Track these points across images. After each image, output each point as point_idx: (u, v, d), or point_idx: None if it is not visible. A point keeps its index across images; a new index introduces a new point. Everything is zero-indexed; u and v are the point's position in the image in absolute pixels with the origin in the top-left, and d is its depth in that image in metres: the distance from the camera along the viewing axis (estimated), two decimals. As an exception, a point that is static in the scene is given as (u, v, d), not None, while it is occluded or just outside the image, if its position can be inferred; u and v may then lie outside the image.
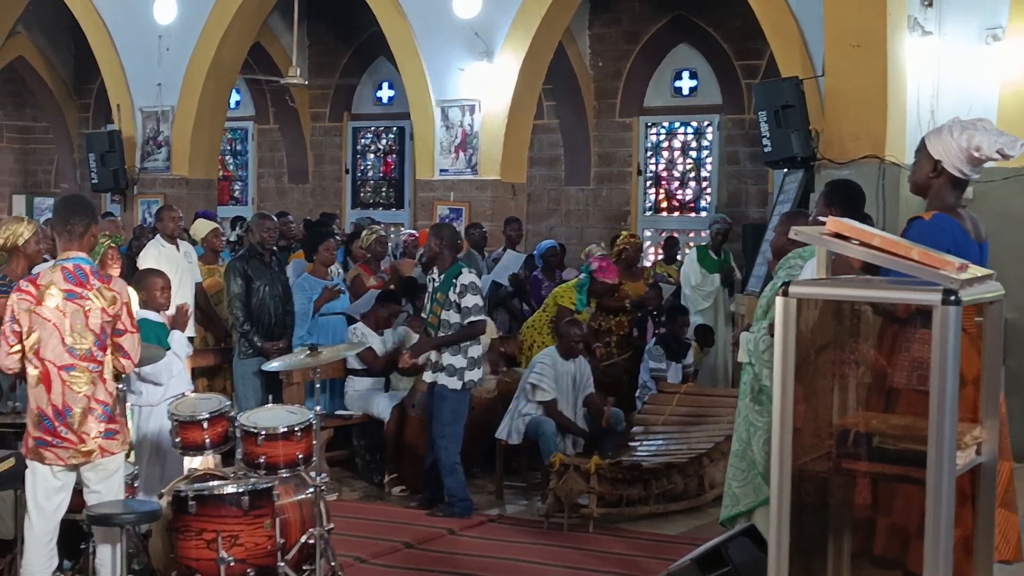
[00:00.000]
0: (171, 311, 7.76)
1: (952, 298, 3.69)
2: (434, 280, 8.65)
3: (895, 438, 4.05)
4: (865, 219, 7.20)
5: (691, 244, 15.04)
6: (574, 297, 10.58)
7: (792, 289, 3.98)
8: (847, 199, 5.86)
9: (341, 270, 10.57)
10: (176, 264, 9.89)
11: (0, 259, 7.28)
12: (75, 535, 6.08)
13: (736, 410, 6.08)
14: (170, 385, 7.18)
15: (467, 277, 8.52)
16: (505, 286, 11.83)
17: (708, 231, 12.99)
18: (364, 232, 11.03)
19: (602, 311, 11.29)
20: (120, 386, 6.04)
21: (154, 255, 10.02)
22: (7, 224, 7.32)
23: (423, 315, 8.82)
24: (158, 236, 10.44)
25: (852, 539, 4.24)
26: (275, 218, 10.34)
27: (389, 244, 12.42)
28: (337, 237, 12.01)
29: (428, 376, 8.58)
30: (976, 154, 4.60)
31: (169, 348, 7.24)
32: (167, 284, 7.70)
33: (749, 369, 5.89)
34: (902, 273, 3.90)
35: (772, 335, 5.61)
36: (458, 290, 8.45)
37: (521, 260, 12.15)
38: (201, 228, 11.15)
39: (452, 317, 8.48)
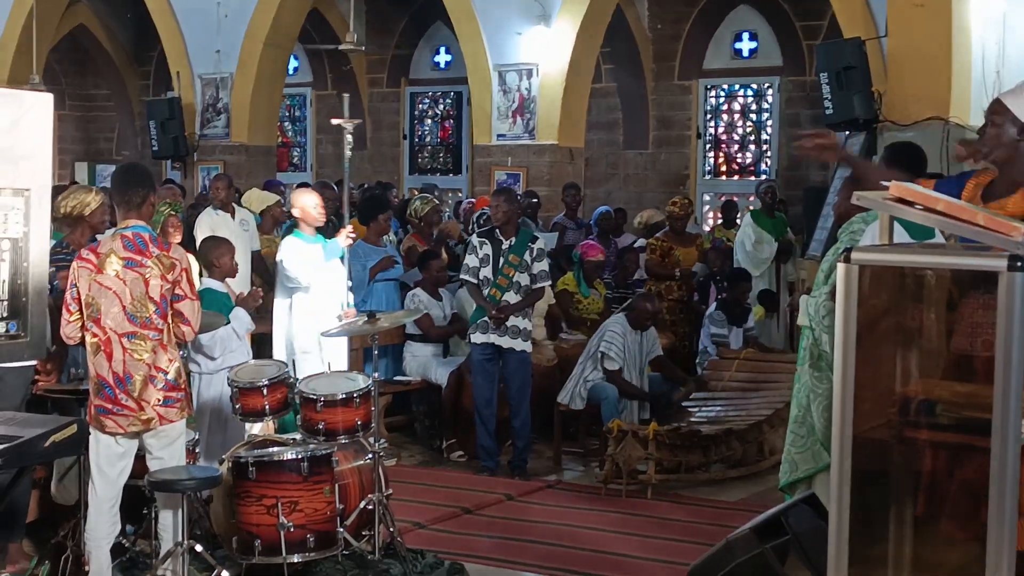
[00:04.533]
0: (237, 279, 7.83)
1: (1019, 264, 3.62)
2: (501, 243, 8.70)
3: (958, 406, 3.99)
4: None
5: (750, 207, 14.91)
6: (575, 285, 10.62)
7: (854, 255, 3.92)
8: (909, 162, 5.76)
9: (394, 237, 10.58)
10: (231, 231, 9.93)
11: (63, 227, 7.32)
12: (138, 500, 6.14)
13: (795, 375, 6.03)
14: (226, 358, 7.20)
15: (541, 242, 8.90)
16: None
17: (756, 194, 12.89)
18: (419, 201, 11.01)
19: (652, 277, 11.26)
20: (182, 353, 6.08)
21: (208, 223, 10.11)
22: (75, 193, 7.36)
23: (467, 277, 8.82)
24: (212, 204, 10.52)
25: (914, 507, 4.19)
26: (334, 187, 10.37)
27: (446, 211, 12.43)
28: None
29: (506, 342, 8.63)
30: None
31: (229, 322, 7.26)
32: (232, 250, 7.75)
33: (808, 333, 5.83)
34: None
35: (834, 300, 5.57)
36: (535, 254, 8.72)
37: (552, 240, 12.05)
38: (264, 199, 11.20)
39: (524, 279, 8.68)
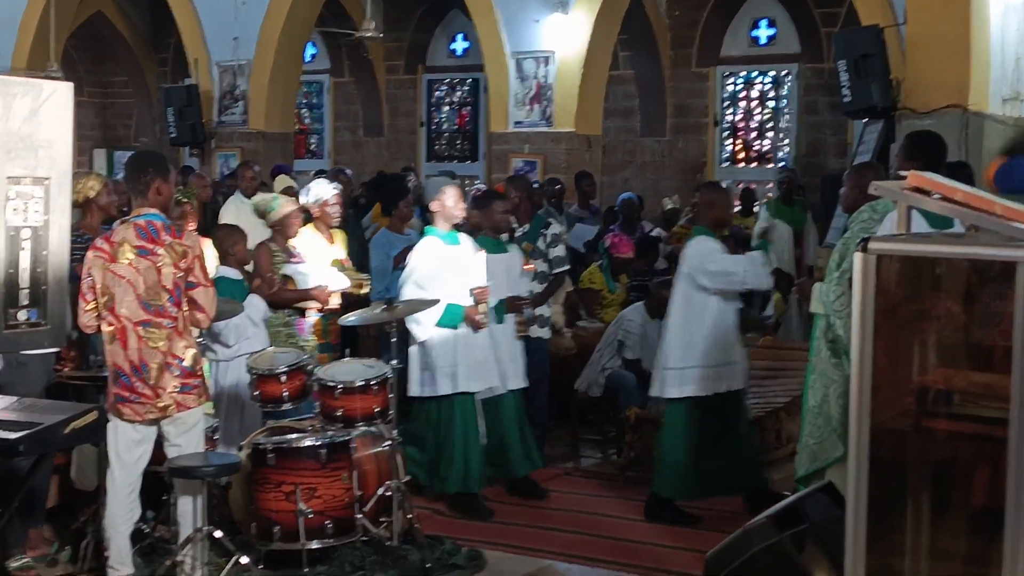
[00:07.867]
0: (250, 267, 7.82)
1: (1037, 254, 3.62)
2: (515, 231, 8.70)
3: (976, 396, 3.99)
4: (961, 168, 7.06)
5: (768, 195, 14.87)
6: (601, 279, 10.55)
7: (871, 245, 3.91)
8: (928, 152, 5.74)
9: (418, 222, 10.57)
10: (253, 220, 9.95)
11: (75, 215, 7.34)
12: (157, 487, 6.19)
13: (808, 365, 6.02)
14: (241, 346, 7.21)
15: (556, 227, 8.86)
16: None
17: (774, 182, 12.87)
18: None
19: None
20: (199, 340, 6.10)
21: (233, 211, 10.12)
22: (76, 179, 7.38)
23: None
24: (238, 192, 10.52)
25: (931, 496, 4.19)
26: (347, 172, 10.36)
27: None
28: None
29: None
30: None
31: (243, 310, 7.26)
32: (245, 238, 7.76)
33: (821, 321, 5.83)
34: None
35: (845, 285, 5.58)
36: (549, 240, 8.68)
37: (593, 232, 12.01)
38: (276, 185, 11.21)
39: (540, 266, 8.64)
